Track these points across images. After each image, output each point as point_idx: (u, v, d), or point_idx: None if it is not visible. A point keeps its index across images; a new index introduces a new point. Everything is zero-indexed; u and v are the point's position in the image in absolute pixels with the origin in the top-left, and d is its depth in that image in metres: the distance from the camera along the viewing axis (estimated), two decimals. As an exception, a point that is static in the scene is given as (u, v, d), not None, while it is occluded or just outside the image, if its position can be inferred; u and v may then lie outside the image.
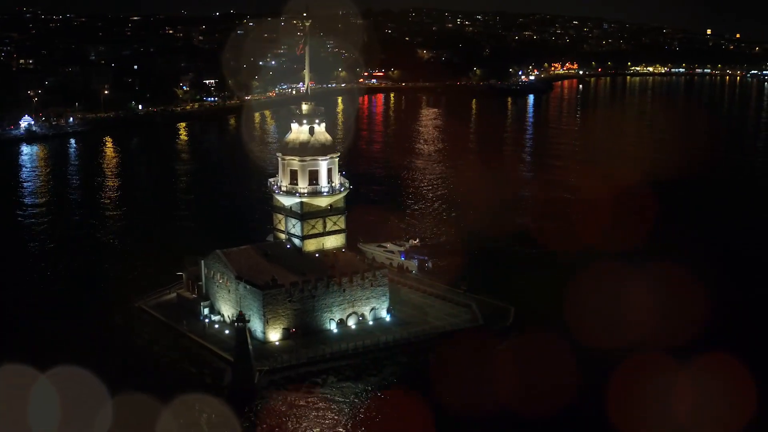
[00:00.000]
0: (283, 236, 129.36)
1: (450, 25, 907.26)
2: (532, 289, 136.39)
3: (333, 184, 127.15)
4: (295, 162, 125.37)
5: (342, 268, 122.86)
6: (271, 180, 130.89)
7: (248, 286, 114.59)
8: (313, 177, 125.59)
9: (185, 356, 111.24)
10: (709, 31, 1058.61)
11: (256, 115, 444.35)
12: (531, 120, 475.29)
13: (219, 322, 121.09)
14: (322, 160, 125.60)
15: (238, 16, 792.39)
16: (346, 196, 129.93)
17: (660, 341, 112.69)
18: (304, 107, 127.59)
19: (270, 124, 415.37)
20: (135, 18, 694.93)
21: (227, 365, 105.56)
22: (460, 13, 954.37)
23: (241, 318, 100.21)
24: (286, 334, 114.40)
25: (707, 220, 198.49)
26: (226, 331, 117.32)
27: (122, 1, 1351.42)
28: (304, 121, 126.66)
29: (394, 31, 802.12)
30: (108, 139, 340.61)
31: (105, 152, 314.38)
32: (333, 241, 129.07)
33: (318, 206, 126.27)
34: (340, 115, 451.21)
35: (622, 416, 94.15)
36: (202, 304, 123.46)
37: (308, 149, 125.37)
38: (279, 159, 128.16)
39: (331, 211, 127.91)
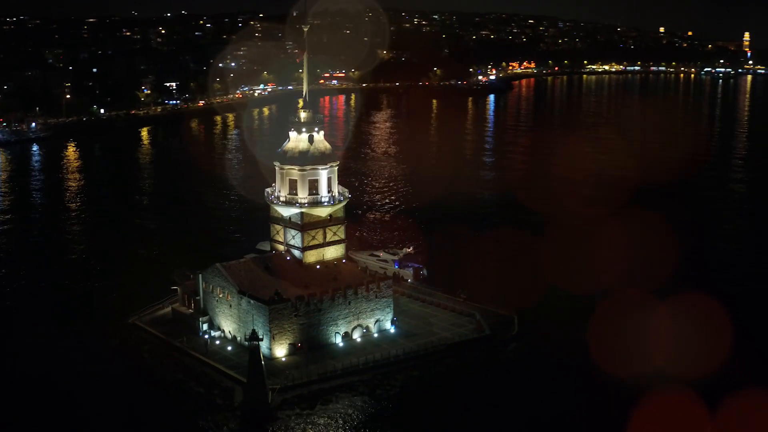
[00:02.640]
0: (281, 247, 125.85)
1: (407, 25, 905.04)
2: (532, 295, 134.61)
3: (333, 194, 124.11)
4: (294, 171, 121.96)
5: (345, 279, 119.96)
6: (267, 190, 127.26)
7: (252, 301, 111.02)
8: (313, 186, 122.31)
9: (190, 375, 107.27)
10: (662, 29, 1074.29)
11: (218, 118, 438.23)
12: (501, 120, 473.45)
13: (220, 338, 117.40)
14: (322, 169, 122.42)
15: (194, 17, 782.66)
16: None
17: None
18: (303, 115, 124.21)
19: (232, 129, 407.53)
20: (90, 20, 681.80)
21: (236, 384, 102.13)
22: (417, 12, 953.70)
23: (254, 336, 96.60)
24: (293, 350, 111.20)
25: (681, 192, 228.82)
26: (229, 348, 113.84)
27: (71, 1, 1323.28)
28: (303, 129, 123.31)
29: (353, 31, 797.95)
30: (71, 144, 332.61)
31: (70, 159, 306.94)
32: (333, 252, 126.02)
33: (318, 216, 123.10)
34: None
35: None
36: (200, 319, 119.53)
37: (308, 158, 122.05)
38: (276, 168, 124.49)
39: (331, 221, 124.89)
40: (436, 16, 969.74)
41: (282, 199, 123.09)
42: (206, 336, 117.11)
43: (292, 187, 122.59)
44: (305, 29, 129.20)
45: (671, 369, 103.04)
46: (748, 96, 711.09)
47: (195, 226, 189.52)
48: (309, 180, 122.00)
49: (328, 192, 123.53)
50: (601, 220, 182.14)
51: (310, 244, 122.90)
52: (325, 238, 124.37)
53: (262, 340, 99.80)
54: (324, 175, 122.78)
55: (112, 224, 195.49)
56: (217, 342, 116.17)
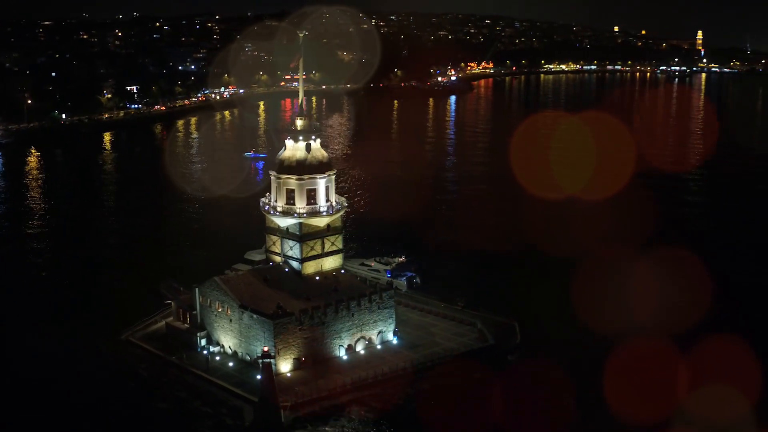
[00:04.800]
0: (278, 259, 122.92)
1: (365, 26, 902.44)
2: (528, 300, 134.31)
3: (331, 203, 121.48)
4: (291, 181, 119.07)
5: (345, 290, 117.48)
6: (263, 200, 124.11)
7: (255, 316, 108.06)
8: (311, 196, 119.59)
9: (194, 394, 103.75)
10: (616, 28, 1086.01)
11: (180, 122, 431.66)
12: (470, 122, 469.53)
13: (219, 353, 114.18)
14: (320, 178, 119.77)
15: (149, 19, 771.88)
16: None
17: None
18: (299, 123, 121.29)
19: (197, 134, 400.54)
20: (46, 23, 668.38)
21: (244, 403, 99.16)
22: (374, 13, 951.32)
23: (266, 354, 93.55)
24: (297, 364, 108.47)
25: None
26: (230, 364, 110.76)
27: (20, 2, 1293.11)
28: (300, 138, 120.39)
29: (311, 33, 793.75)
30: (34, 150, 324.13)
31: (34, 165, 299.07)
32: (331, 262, 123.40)
33: (317, 226, 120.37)
34: (262, 121, 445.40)
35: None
36: (198, 334, 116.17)
37: (305, 167, 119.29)
38: (272, 178, 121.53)
39: (329, 231, 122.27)
40: (393, 17, 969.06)
41: (279, 209, 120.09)
42: (205, 352, 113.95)
43: (290, 196, 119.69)
44: (301, 35, 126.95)
45: (679, 368, 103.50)
46: (702, 94, 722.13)
47: (173, 235, 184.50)
48: (307, 189, 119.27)
49: (326, 201, 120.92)
50: (590, 218, 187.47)
51: (309, 254, 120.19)
52: (323, 248, 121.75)
53: (274, 357, 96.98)
54: (322, 184, 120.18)
55: (83, 234, 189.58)
56: (217, 358, 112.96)
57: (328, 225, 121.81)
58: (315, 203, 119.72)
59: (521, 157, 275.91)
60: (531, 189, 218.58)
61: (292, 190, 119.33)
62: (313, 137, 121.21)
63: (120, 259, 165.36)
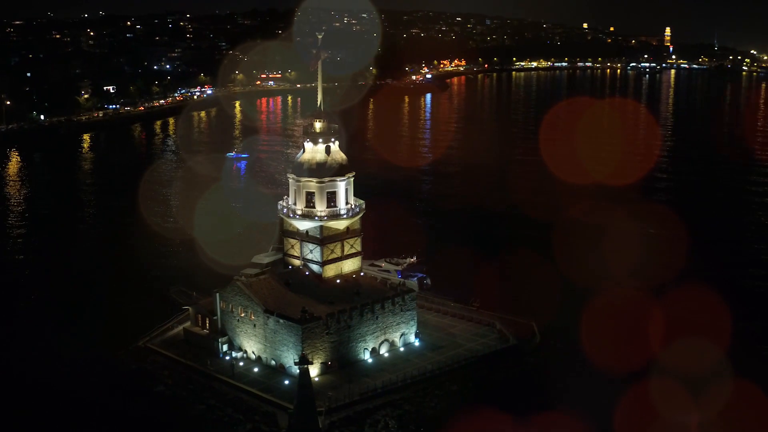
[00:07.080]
0: (297, 262, 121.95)
1: (337, 24, 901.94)
2: (543, 299, 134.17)
3: (350, 206, 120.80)
4: (312, 184, 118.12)
5: (367, 293, 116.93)
6: (281, 203, 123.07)
7: (281, 320, 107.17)
8: (331, 199, 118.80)
9: (223, 401, 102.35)
10: (585, 25, 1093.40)
11: (158, 123, 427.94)
12: (456, 120, 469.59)
13: (243, 359, 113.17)
14: (340, 180, 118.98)
15: (121, 18, 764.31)
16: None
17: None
18: (318, 125, 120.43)
19: (177, 134, 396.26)
20: (17, 22, 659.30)
21: (276, 408, 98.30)
22: (346, 12, 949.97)
23: (304, 359, 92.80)
24: (324, 369, 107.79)
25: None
26: (255, 369, 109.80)
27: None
28: (320, 140, 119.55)
29: (284, 31, 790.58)
30: (14, 152, 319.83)
31: (15, 167, 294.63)
32: (350, 265, 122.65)
33: (337, 229, 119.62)
34: (237, 119, 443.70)
35: None
36: (219, 340, 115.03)
37: (326, 170, 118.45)
38: (291, 181, 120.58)
39: (349, 233, 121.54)
40: (365, 15, 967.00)
41: (298, 212, 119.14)
42: (227, 357, 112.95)
43: (309, 200, 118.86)
44: (319, 36, 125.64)
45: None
46: (672, 89, 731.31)
47: (169, 238, 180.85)
48: (327, 192, 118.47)
49: (346, 204, 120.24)
50: (595, 215, 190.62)
51: (329, 258, 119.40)
52: (343, 251, 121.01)
53: (312, 363, 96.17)
54: (342, 186, 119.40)
55: (77, 239, 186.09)
56: (241, 363, 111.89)
57: (348, 227, 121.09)
58: (335, 206, 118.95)
59: (521, 155, 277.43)
60: (534, 187, 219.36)
61: (312, 193, 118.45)
62: (333, 140, 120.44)
63: (118, 264, 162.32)
